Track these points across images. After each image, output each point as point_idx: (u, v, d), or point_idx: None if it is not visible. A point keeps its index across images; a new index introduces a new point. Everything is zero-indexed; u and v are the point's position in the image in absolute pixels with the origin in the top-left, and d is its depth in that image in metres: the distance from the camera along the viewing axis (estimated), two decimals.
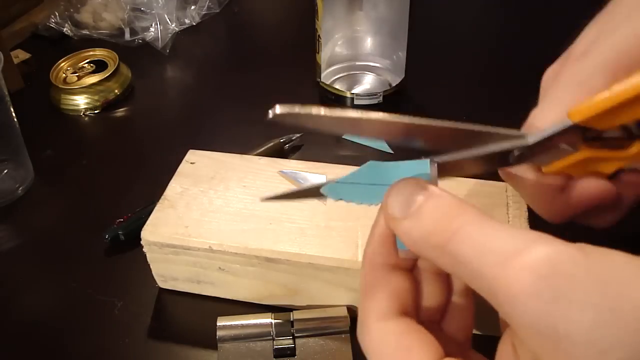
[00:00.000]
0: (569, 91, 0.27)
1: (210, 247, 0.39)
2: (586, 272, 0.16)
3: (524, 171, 0.29)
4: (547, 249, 0.17)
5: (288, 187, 0.24)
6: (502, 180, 0.42)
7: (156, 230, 0.40)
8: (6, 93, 0.50)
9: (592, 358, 0.15)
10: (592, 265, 0.16)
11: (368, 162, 0.24)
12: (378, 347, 0.21)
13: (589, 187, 0.28)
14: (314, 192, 0.26)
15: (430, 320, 0.24)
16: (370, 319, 0.22)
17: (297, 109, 0.23)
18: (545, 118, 0.27)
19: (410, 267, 0.24)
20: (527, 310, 0.16)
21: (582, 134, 0.26)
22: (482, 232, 0.18)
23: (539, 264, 0.17)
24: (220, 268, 0.40)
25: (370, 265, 0.23)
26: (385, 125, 0.23)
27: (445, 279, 0.25)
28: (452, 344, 0.23)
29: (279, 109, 0.23)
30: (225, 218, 0.41)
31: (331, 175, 0.44)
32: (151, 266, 0.42)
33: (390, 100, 0.60)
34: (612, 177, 0.29)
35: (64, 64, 0.66)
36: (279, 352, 0.38)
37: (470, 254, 0.18)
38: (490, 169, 0.27)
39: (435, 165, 0.23)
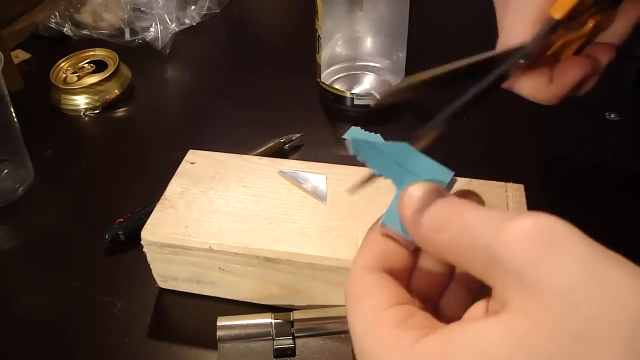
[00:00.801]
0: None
1: (210, 247, 0.39)
2: (576, 234, 0.18)
3: (522, 78, 0.32)
4: (540, 215, 0.19)
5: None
6: (502, 180, 0.42)
7: (156, 230, 0.40)
8: (6, 93, 0.50)
9: (566, 308, 0.17)
10: (576, 234, 0.18)
11: (403, 143, 0.26)
12: (353, 284, 0.23)
13: (572, 68, 0.32)
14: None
15: (425, 297, 0.25)
16: (354, 269, 0.24)
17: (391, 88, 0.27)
18: (520, 27, 0.31)
19: (411, 251, 0.25)
20: (516, 258, 0.18)
21: (555, 27, 0.29)
22: (476, 214, 0.20)
23: (532, 223, 0.18)
24: (220, 268, 0.40)
25: (371, 229, 0.26)
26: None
27: (449, 269, 0.26)
28: (443, 320, 0.24)
29: (378, 95, 0.27)
30: (225, 218, 0.41)
31: (331, 176, 0.44)
32: (151, 266, 0.42)
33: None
34: (577, 53, 0.33)
35: (64, 64, 0.66)
36: (279, 352, 0.38)
37: (468, 233, 0.20)
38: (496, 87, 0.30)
39: (455, 180, 0.25)
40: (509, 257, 0.18)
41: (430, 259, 0.26)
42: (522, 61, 0.30)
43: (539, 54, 0.30)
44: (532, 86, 0.32)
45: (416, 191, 0.23)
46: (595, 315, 0.16)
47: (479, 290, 0.25)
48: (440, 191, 0.23)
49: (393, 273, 0.24)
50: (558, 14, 0.28)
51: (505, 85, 0.32)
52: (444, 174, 0.25)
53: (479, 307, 0.22)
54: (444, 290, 0.26)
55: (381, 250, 0.24)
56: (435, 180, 0.24)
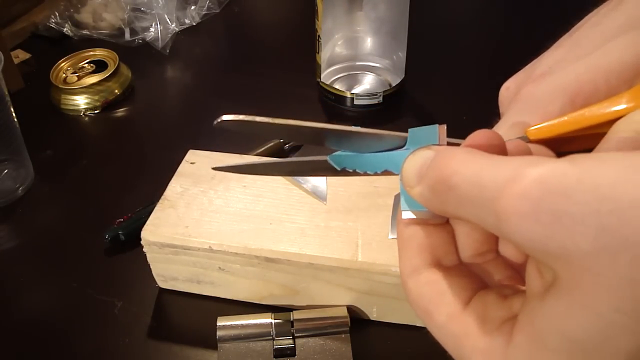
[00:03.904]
0: (527, 110, 0.27)
1: (210, 247, 0.39)
2: (578, 182, 0.16)
3: None
4: (536, 171, 0.17)
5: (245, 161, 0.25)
6: None
7: (156, 230, 0.40)
8: (6, 93, 0.50)
9: (605, 264, 0.16)
10: (583, 173, 0.17)
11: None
12: (416, 301, 0.22)
13: None
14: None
15: (481, 254, 0.24)
16: (405, 277, 0.23)
17: (240, 117, 0.25)
18: (500, 126, 0.28)
19: (443, 222, 0.24)
20: (532, 237, 0.17)
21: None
22: (472, 167, 0.19)
23: (531, 189, 0.17)
24: (220, 268, 0.40)
25: (399, 230, 0.24)
26: (314, 131, 0.25)
27: None
28: (508, 270, 0.24)
29: (225, 117, 0.25)
30: (225, 218, 0.41)
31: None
32: (151, 266, 0.42)
33: (390, 100, 0.60)
34: None
35: (64, 64, 0.66)
36: (279, 352, 0.38)
37: (467, 194, 0.19)
38: None
39: (443, 127, 0.24)
40: (527, 237, 0.17)
41: (464, 223, 0.24)
42: None
43: None
44: None
45: (409, 165, 0.22)
46: None
47: None
48: (430, 153, 0.22)
49: (442, 260, 0.23)
50: (533, 136, 0.25)
51: None
52: (431, 132, 0.24)
53: (533, 270, 0.20)
54: (496, 242, 0.25)
55: (418, 244, 0.23)
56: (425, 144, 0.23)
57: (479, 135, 0.22)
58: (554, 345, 0.18)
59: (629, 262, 0.15)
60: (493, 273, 0.23)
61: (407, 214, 0.23)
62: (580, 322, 0.17)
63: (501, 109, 0.31)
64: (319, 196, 0.42)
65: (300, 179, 0.44)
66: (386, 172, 0.25)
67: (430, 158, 0.21)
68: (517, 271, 0.24)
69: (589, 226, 0.16)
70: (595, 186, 0.16)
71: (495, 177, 0.18)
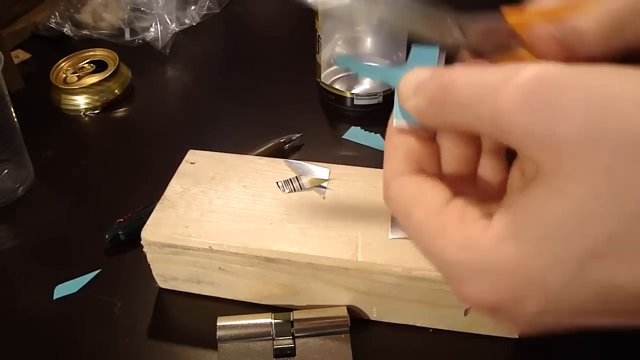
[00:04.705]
0: None
1: (210, 247, 0.39)
2: (573, 77, 0.18)
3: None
4: (535, 68, 0.18)
5: None
6: None
7: (156, 230, 0.40)
8: (6, 93, 0.50)
9: (587, 152, 0.17)
10: (579, 72, 0.18)
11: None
12: (397, 201, 0.23)
13: None
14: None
15: (461, 178, 0.26)
16: (388, 178, 0.24)
17: None
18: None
19: (430, 137, 0.25)
20: (525, 126, 0.18)
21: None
22: (472, 74, 0.20)
23: (528, 81, 0.18)
24: (220, 268, 0.40)
25: (388, 136, 0.25)
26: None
27: (471, 140, 0.26)
28: (483, 194, 0.25)
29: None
30: (225, 218, 0.41)
31: (334, 171, 0.44)
32: (151, 266, 0.42)
33: (390, 100, 0.60)
34: None
35: (64, 64, 0.66)
36: (279, 352, 0.38)
37: (467, 95, 0.20)
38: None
39: (444, 52, 0.25)
40: (519, 126, 0.18)
41: (451, 138, 0.25)
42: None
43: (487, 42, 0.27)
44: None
45: (407, 79, 0.23)
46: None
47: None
48: (429, 69, 0.22)
49: (425, 170, 0.24)
50: (510, 20, 0.26)
51: None
52: (431, 53, 0.25)
53: (515, 173, 0.22)
54: (476, 165, 0.26)
55: (405, 151, 0.24)
56: (424, 65, 0.24)
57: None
58: (532, 232, 0.18)
59: (609, 151, 0.17)
60: (471, 195, 0.23)
61: (399, 123, 0.24)
62: (558, 208, 0.18)
63: None
64: (320, 189, 0.42)
65: (305, 170, 0.44)
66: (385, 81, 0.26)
67: (427, 77, 0.22)
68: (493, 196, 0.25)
69: (576, 116, 0.17)
70: (586, 83, 0.17)
71: (495, 76, 0.19)
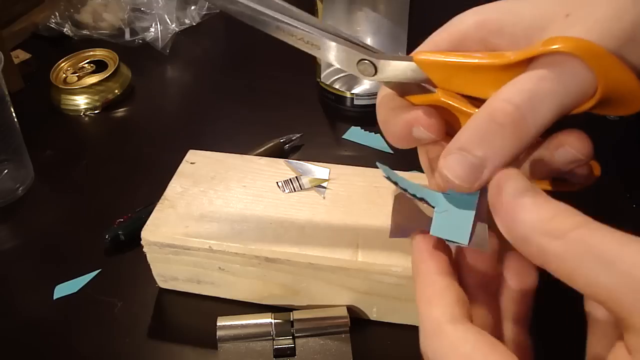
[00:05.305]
0: (440, 36, 0.27)
1: (210, 247, 0.39)
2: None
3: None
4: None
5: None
6: None
7: (156, 230, 0.40)
8: (6, 93, 0.50)
9: None
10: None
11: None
12: (458, 348, 0.21)
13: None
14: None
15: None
16: (442, 322, 0.22)
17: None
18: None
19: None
20: None
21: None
22: (599, 239, 0.19)
23: None
24: (220, 268, 0.40)
25: (427, 277, 0.23)
26: None
27: (493, 291, 0.25)
28: None
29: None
30: (225, 218, 0.41)
31: (334, 171, 0.44)
32: (151, 266, 0.42)
33: None
34: None
35: (64, 64, 0.66)
36: (279, 352, 0.38)
37: (608, 249, 0.18)
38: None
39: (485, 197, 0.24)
40: None
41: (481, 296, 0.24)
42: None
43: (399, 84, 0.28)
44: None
45: (513, 176, 0.21)
46: None
47: None
48: (536, 188, 0.21)
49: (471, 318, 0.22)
50: (418, 61, 0.26)
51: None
52: (470, 199, 0.24)
53: (620, 353, 0.19)
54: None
55: (457, 295, 0.22)
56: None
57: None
58: None
59: None
60: None
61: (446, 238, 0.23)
62: None
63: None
64: (320, 189, 0.42)
65: (305, 170, 0.44)
66: (423, 200, 0.25)
67: (530, 194, 0.20)
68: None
69: None
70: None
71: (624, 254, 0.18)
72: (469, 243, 0.23)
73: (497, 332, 0.25)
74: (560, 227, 0.19)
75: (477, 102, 0.25)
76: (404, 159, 0.36)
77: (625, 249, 0.18)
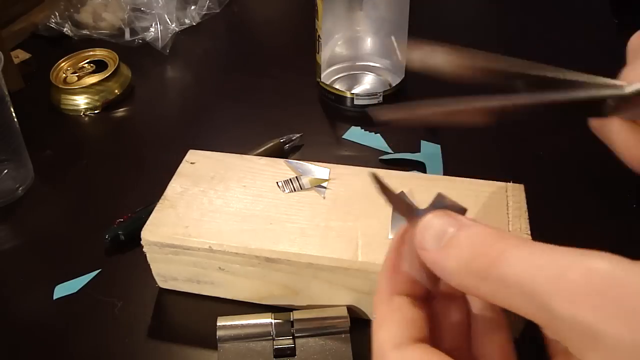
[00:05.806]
0: None
1: (210, 247, 0.39)
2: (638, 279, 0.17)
3: (617, 123, 0.28)
4: (600, 262, 0.17)
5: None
6: (502, 180, 0.42)
7: (156, 230, 0.40)
8: (6, 93, 0.50)
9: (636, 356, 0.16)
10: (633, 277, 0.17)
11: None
12: None
13: None
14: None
15: (457, 348, 0.24)
16: (386, 349, 0.22)
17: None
18: (637, 75, 0.27)
19: (424, 296, 0.24)
20: (584, 321, 0.17)
21: None
22: (530, 252, 0.18)
23: (594, 276, 0.17)
24: (220, 268, 0.40)
25: (381, 297, 0.23)
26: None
27: (461, 304, 0.25)
28: None
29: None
30: (225, 218, 0.41)
31: (334, 171, 0.44)
32: (151, 266, 0.42)
33: (390, 100, 0.60)
34: None
35: (64, 64, 0.66)
36: (279, 352, 0.38)
37: (520, 274, 0.18)
38: (582, 114, 0.27)
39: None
40: (578, 322, 0.17)
41: (448, 310, 0.24)
42: (612, 103, 0.26)
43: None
44: (624, 137, 0.28)
45: (424, 231, 0.21)
46: None
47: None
48: (460, 219, 0.20)
49: (425, 341, 0.22)
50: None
51: (595, 125, 0.29)
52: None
53: None
54: (470, 338, 0.24)
55: (408, 316, 0.22)
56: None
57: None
58: None
59: None
60: None
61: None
62: None
63: (628, 57, 0.30)
64: (320, 189, 0.42)
65: (304, 170, 0.44)
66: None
67: (453, 227, 0.20)
68: None
69: (632, 320, 0.16)
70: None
71: (554, 262, 0.18)
72: None
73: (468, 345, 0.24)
74: (482, 267, 0.19)
75: None
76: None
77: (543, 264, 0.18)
